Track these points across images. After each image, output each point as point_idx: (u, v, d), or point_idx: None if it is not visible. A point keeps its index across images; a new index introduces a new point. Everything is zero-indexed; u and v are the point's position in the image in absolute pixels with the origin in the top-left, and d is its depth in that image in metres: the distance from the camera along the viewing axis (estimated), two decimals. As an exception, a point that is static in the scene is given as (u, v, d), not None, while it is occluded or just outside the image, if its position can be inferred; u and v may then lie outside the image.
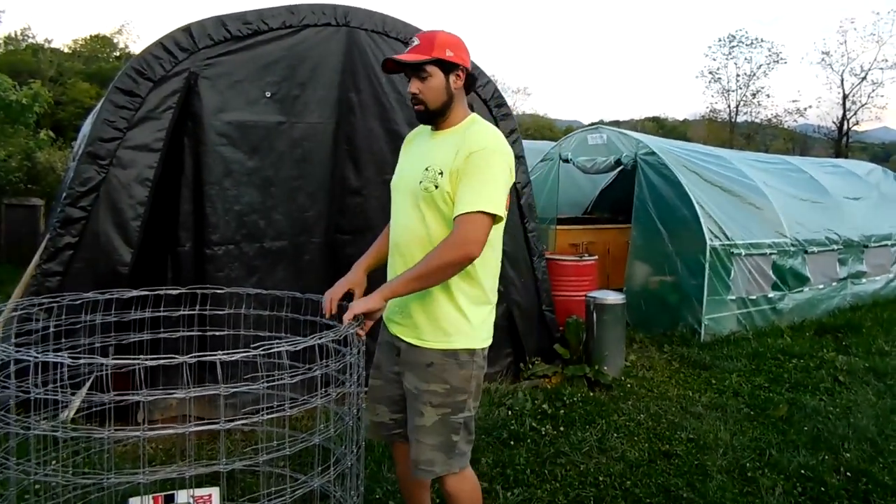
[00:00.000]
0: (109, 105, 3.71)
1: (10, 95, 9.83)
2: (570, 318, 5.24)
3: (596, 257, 6.41)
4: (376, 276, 2.34)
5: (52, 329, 2.29)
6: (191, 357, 1.67)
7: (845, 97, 32.11)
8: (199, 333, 2.64)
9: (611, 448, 3.77)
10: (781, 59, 35.17)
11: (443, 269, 2.02)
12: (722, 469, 3.53)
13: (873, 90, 32.23)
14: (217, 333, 2.62)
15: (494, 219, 2.05)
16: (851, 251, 8.01)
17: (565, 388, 4.67)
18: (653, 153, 6.94)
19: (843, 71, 32.27)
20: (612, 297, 5.20)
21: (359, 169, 4.41)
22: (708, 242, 6.26)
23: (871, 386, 5.04)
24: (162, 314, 2.58)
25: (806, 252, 7.29)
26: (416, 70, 2.13)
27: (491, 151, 2.06)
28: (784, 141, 35.49)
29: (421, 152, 2.23)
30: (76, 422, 2.49)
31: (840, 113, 32.33)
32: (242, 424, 1.88)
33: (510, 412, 4.20)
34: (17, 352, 1.70)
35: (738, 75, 35.21)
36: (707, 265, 6.24)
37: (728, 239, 6.46)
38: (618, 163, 7.41)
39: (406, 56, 2.14)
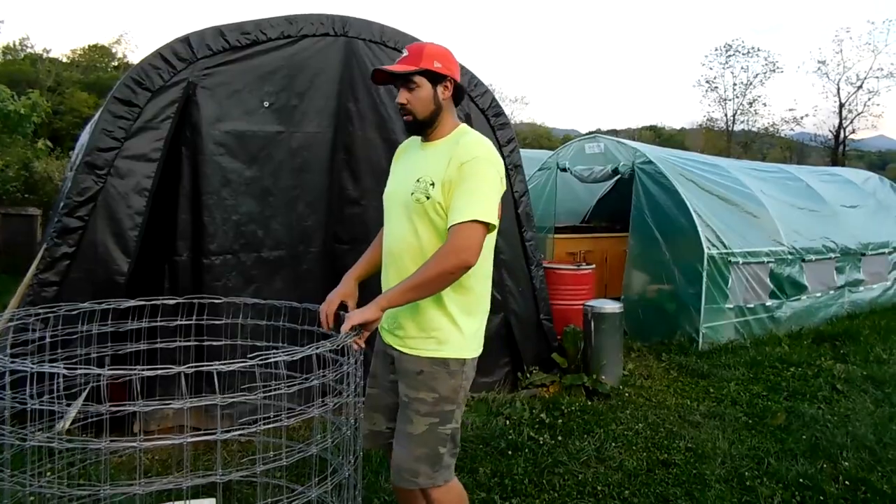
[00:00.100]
0: (108, 115, 3.72)
1: (8, 105, 9.85)
2: (568, 326, 5.24)
3: (593, 266, 6.41)
4: (371, 286, 2.35)
5: (48, 339, 2.28)
6: (188, 367, 1.67)
7: (841, 106, 32.27)
8: (196, 343, 2.64)
9: (609, 457, 3.76)
10: (778, 68, 35.42)
11: (439, 278, 2.02)
12: (720, 478, 3.52)
13: (869, 99, 32.37)
14: (214, 343, 2.62)
15: (488, 227, 2.06)
16: (848, 259, 8.02)
17: (563, 397, 4.66)
18: (650, 162, 6.96)
19: (840, 80, 32.46)
20: (610, 306, 5.20)
21: (357, 178, 4.42)
22: (705, 251, 6.27)
23: (869, 394, 5.04)
24: (159, 324, 2.58)
25: (803, 260, 7.30)
26: (404, 80, 2.16)
27: (482, 161, 2.08)
28: (781, 149, 35.64)
29: (412, 164, 2.25)
30: (72, 433, 2.48)
31: (836, 121, 32.50)
32: (239, 435, 1.87)
33: (508, 422, 4.20)
34: (12, 362, 1.70)
35: (734, 84, 35.40)
36: (704, 274, 6.25)
37: (725, 247, 6.47)
38: (615, 172, 7.43)
39: (394, 66, 2.17)
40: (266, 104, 4.11)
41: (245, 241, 4.07)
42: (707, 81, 36.02)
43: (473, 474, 3.47)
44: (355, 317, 2.05)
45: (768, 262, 6.92)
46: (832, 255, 7.76)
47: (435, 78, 2.16)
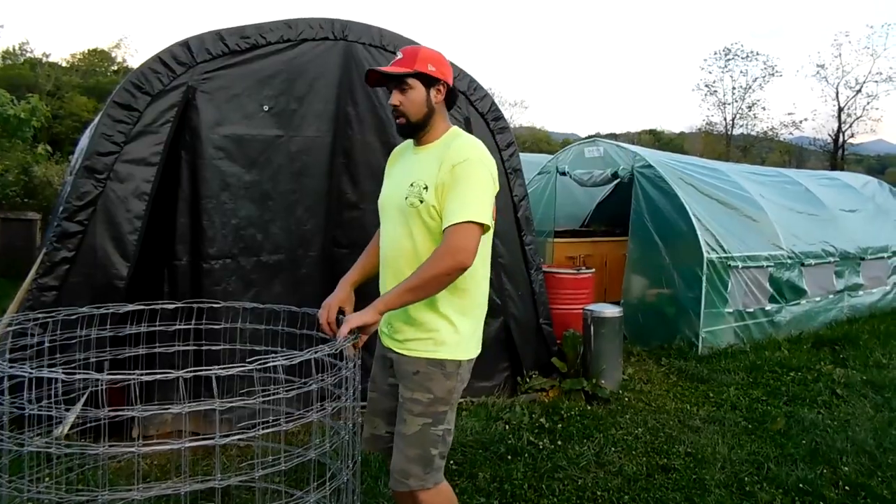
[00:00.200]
0: (107, 119, 3.72)
1: (7, 110, 9.85)
2: (568, 331, 5.24)
3: (593, 270, 6.41)
4: (369, 291, 2.35)
5: (47, 344, 2.28)
6: (186, 372, 1.67)
7: (840, 110, 32.33)
8: (195, 348, 2.63)
9: (608, 462, 3.75)
10: (777, 72, 35.46)
11: (436, 280, 2.03)
12: (720, 483, 3.51)
13: (868, 103, 32.43)
14: (213, 348, 2.61)
15: (483, 228, 2.07)
16: (848, 263, 8.02)
17: (563, 401, 4.65)
18: (649, 166, 6.97)
19: (839, 84, 32.52)
20: (610, 311, 5.20)
21: (356, 182, 4.42)
22: (705, 255, 6.27)
23: (869, 399, 5.04)
24: (158, 328, 2.57)
25: (803, 264, 7.30)
26: (398, 82, 2.17)
27: (473, 162, 2.09)
28: (780, 153, 35.68)
29: (405, 168, 2.26)
30: (70, 438, 2.47)
31: (835, 125, 32.55)
32: (238, 439, 1.87)
33: (507, 426, 4.19)
34: (11, 367, 1.69)
35: (733, 88, 35.44)
36: (704, 278, 6.24)
37: (725, 252, 6.47)
38: (615, 175, 7.43)
39: (388, 68, 2.18)
40: (265, 108, 4.12)
41: (244, 245, 4.07)
42: (706, 85, 36.05)
43: (473, 479, 3.46)
44: (353, 320, 2.06)
45: (768, 267, 6.92)
46: (831, 259, 7.76)
47: (428, 81, 2.18)
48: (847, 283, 7.98)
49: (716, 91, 35.75)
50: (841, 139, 32.50)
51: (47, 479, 2.07)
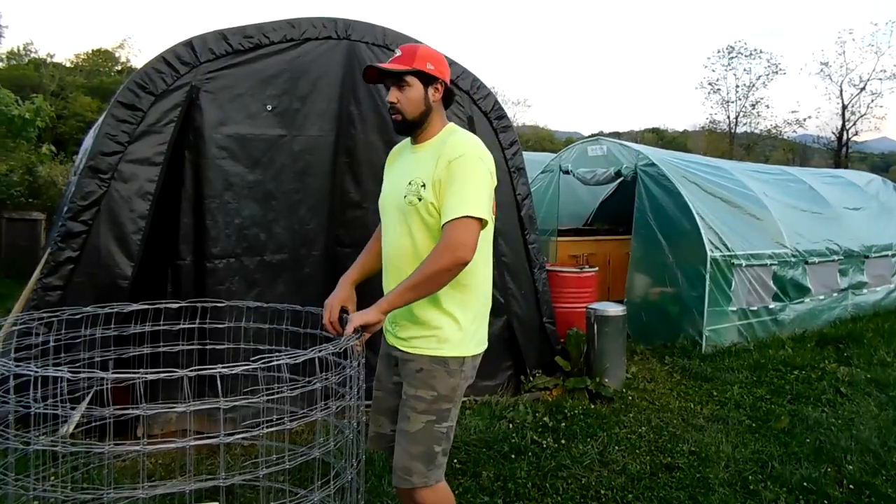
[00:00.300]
0: (111, 119, 3.73)
1: (12, 110, 9.88)
2: (571, 330, 5.24)
3: (596, 269, 6.41)
4: (373, 288, 2.36)
5: (52, 343, 2.28)
6: (190, 371, 1.67)
7: (844, 108, 32.22)
8: (199, 347, 2.64)
9: (612, 461, 3.75)
10: (780, 70, 35.24)
11: (436, 276, 2.03)
12: (724, 482, 3.51)
13: (872, 100, 32.30)
14: (217, 347, 2.62)
15: (481, 223, 2.07)
16: (852, 262, 8.00)
17: (566, 400, 4.65)
18: (653, 164, 6.96)
19: (842, 81, 32.41)
20: (613, 309, 5.20)
21: (359, 181, 4.43)
22: (708, 253, 6.26)
23: (874, 397, 5.03)
24: (162, 328, 2.58)
25: (806, 263, 7.29)
26: (396, 79, 2.18)
27: (469, 157, 2.09)
28: (784, 151, 35.55)
29: (403, 168, 2.27)
30: (76, 436, 2.48)
31: (839, 123, 32.43)
32: (242, 438, 1.87)
33: (511, 425, 4.19)
34: (16, 366, 1.70)
35: (737, 86, 35.33)
36: (707, 276, 6.24)
37: (728, 250, 6.46)
38: (618, 174, 7.43)
39: (387, 64, 2.20)
40: (268, 108, 4.12)
41: (248, 244, 4.07)
42: (709, 84, 35.97)
43: (476, 478, 3.46)
44: (356, 319, 2.07)
45: (771, 265, 6.91)
46: (835, 257, 7.74)
47: (427, 79, 2.19)
48: (851, 282, 7.96)
49: (719, 89, 35.69)
50: (845, 137, 32.40)
51: (53, 477, 2.08)
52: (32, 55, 28.79)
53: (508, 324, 4.82)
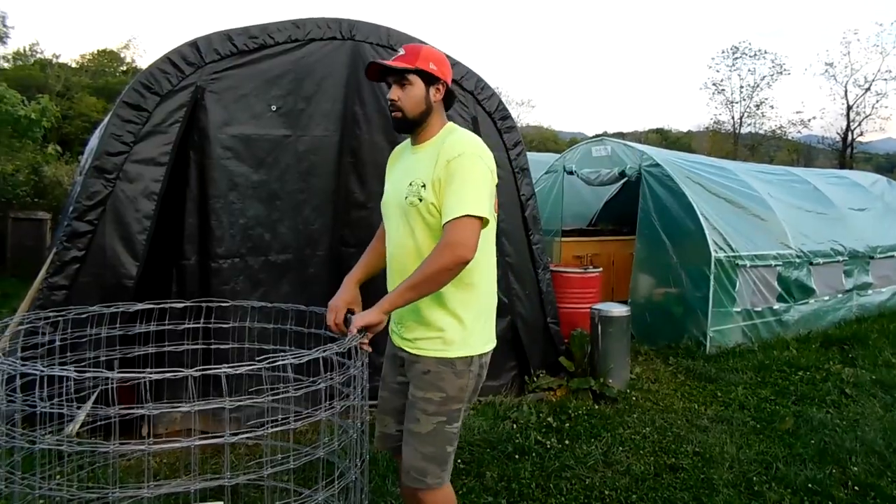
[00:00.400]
0: (116, 119, 3.75)
1: (18, 110, 9.92)
2: (575, 330, 5.23)
3: (600, 269, 6.40)
4: (377, 287, 2.36)
5: (58, 342, 2.30)
6: (195, 370, 1.68)
7: (849, 108, 32.07)
8: (204, 346, 2.65)
9: (616, 462, 3.75)
10: (785, 70, 35.17)
11: (437, 275, 2.03)
12: (728, 483, 3.51)
13: (877, 101, 32.14)
14: (222, 346, 2.63)
15: (482, 221, 2.07)
16: (857, 262, 7.98)
17: (570, 401, 4.65)
18: (657, 165, 6.95)
19: (847, 82, 32.24)
20: (617, 310, 5.19)
21: (363, 182, 4.44)
22: (712, 254, 6.24)
23: (879, 398, 5.01)
24: (167, 327, 2.59)
25: (811, 263, 7.27)
26: (398, 77, 2.19)
27: (468, 156, 2.09)
28: (788, 152, 35.44)
29: (404, 168, 2.28)
30: (81, 435, 2.49)
31: (844, 124, 32.29)
32: (247, 438, 1.88)
33: (515, 425, 4.19)
34: (22, 365, 1.71)
35: (741, 87, 35.20)
36: (712, 277, 6.22)
37: (733, 251, 6.44)
38: (622, 174, 7.42)
39: (390, 62, 2.20)
40: (273, 108, 4.13)
41: (252, 244, 4.08)
42: (714, 84, 35.91)
43: (480, 478, 3.46)
44: (358, 320, 2.08)
45: (776, 266, 6.89)
46: (840, 258, 7.72)
47: (429, 79, 2.19)
48: (856, 283, 7.94)
49: (723, 90, 35.57)
50: (850, 137, 32.26)
51: (59, 476, 2.09)
52: (38, 56, 28.86)
53: (512, 324, 4.82)
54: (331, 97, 4.32)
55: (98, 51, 31.17)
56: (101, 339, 2.44)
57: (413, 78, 2.18)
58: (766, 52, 49.12)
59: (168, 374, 1.69)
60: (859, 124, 32.20)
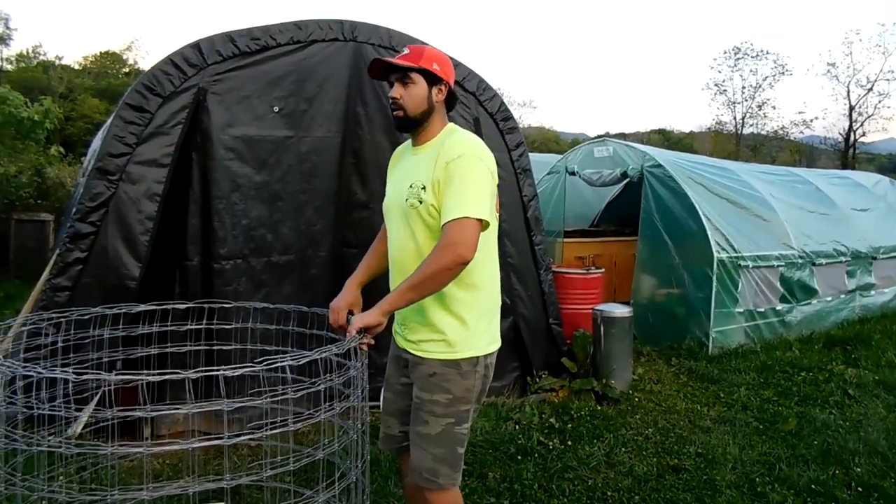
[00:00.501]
0: (119, 121, 3.75)
1: (21, 112, 9.94)
2: (578, 331, 5.23)
3: (603, 270, 6.40)
4: (380, 288, 2.37)
5: (60, 344, 2.30)
6: (194, 372, 1.68)
7: (851, 108, 32.00)
8: (207, 348, 2.65)
9: (619, 463, 3.74)
10: (787, 70, 35.05)
11: (436, 275, 2.03)
12: (731, 484, 3.50)
13: (880, 101, 32.01)
14: (224, 348, 2.63)
15: (482, 223, 2.07)
16: (860, 263, 7.96)
17: (573, 401, 4.65)
18: (659, 165, 6.94)
19: (849, 82, 32.15)
20: (620, 311, 5.19)
21: (365, 182, 4.44)
22: (715, 255, 6.24)
23: (882, 399, 5.00)
24: (169, 329, 2.59)
25: (814, 264, 7.25)
26: (401, 75, 2.19)
27: (467, 157, 2.08)
28: (790, 153, 35.37)
29: (405, 170, 2.28)
30: (84, 437, 2.49)
31: (846, 124, 32.20)
32: (247, 439, 1.88)
33: (517, 426, 4.19)
34: (23, 367, 1.71)
35: (743, 87, 35.11)
36: (714, 277, 6.22)
37: (735, 251, 6.43)
38: (624, 175, 7.42)
39: (394, 60, 2.20)
40: (275, 109, 4.14)
41: (255, 245, 4.09)
42: (716, 84, 35.75)
43: (483, 479, 3.46)
44: (357, 321, 2.08)
45: (778, 266, 6.88)
46: (843, 258, 7.71)
47: (431, 79, 2.19)
48: (859, 283, 7.92)
49: (725, 90, 35.48)
50: (852, 138, 32.18)
51: (61, 477, 2.09)
52: (41, 57, 28.96)
53: (515, 325, 4.82)
54: (333, 98, 4.32)
55: (101, 53, 31.28)
56: (104, 340, 2.44)
57: (416, 77, 2.18)
58: (768, 53, 48.99)
59: (168, 376, 1.69)
60: (862, 125, 32.14)
